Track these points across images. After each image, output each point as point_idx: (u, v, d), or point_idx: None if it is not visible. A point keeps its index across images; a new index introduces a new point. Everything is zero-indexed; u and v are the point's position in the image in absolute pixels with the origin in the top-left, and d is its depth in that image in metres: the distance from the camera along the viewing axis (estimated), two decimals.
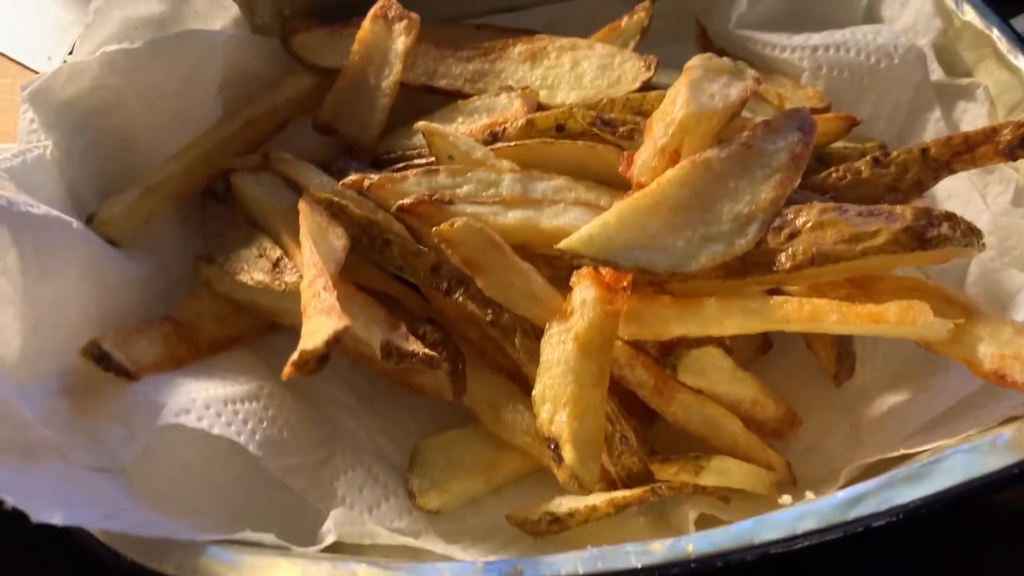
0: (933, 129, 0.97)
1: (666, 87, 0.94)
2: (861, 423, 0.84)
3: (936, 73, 0.97)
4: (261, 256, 0.83)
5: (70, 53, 0.87)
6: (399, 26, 0.95)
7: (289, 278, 0.79)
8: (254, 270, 0.81)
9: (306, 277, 0.71)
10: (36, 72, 1.24)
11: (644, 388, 0.80)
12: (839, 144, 0.94)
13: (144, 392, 0.72)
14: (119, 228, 0.84)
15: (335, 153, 0.98)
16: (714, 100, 0.81)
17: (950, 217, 0.75)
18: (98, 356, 0.71)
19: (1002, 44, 0.93)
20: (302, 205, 0.81)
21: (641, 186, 0.79)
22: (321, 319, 0.63)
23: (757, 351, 0.89)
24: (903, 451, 0.73)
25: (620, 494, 0.76)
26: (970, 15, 0.96)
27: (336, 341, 0.60)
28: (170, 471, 0.74)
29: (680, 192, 0.76)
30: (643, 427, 0.83)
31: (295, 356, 0.60)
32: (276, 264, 0.81)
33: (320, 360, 0.60)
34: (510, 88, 0.94)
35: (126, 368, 0.71)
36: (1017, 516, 0.93)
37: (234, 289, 0.85)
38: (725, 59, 0.84)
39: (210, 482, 0.75)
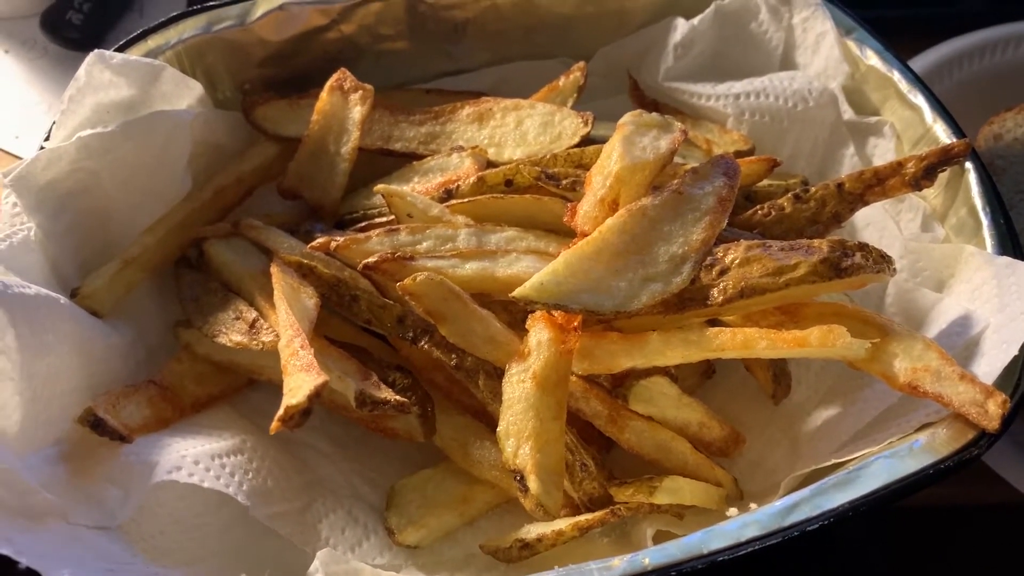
0: (849, 163, 1.05)
1: (604, 139, 1.02)
2: (799, 437, 0.92)
3: (848, 113, 1.05)
4: (238, 318, 0.88)
5: (46, 139, 0.92)
6: (355, 96, 1.02)
7: (266, 338, 0.85)
8: (232, 332, 0.87)
9: (283, 337, 0.77)
10: (6, 151, 1.29)
11: (599, 418, 0.87)
12: (765, 182, 1.02)
13: (136, 453, 0.78)
14: (101, 300, 0.89)
15: (300, 216, 1.04)
16: (646, 152, 0.89)
17: (863, 247, 0.83)
18: (93, 423, 0.76)
19: (903, 85, 1.02)
20: (274, 269, 0.87)
21: (585, 234, 0.86)
22: (301, 376, 0.69)
23: (702, 376, 0.97)
24: (834, 460, 0.81)
25: (583, 518, 0.82)
26: (873, 60, 1.05)
27: (317, 395, 0.67)
28: (165, 525, 0.79)
29: (620, 238, 0.84)
30: (601, 454, 0.90)
31: (281, 411, 0.66)
32: (252, 325, 0.87)
33: (304, 414, 0.66)
34: (461, 148, 1.02)
35: (119, 432, 0.77)
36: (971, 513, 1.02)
37: (213, 351, 0.91)
38: (654, 114, 0.92)
39: (203, 532, 0.81)
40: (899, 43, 1.08)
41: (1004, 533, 1.06)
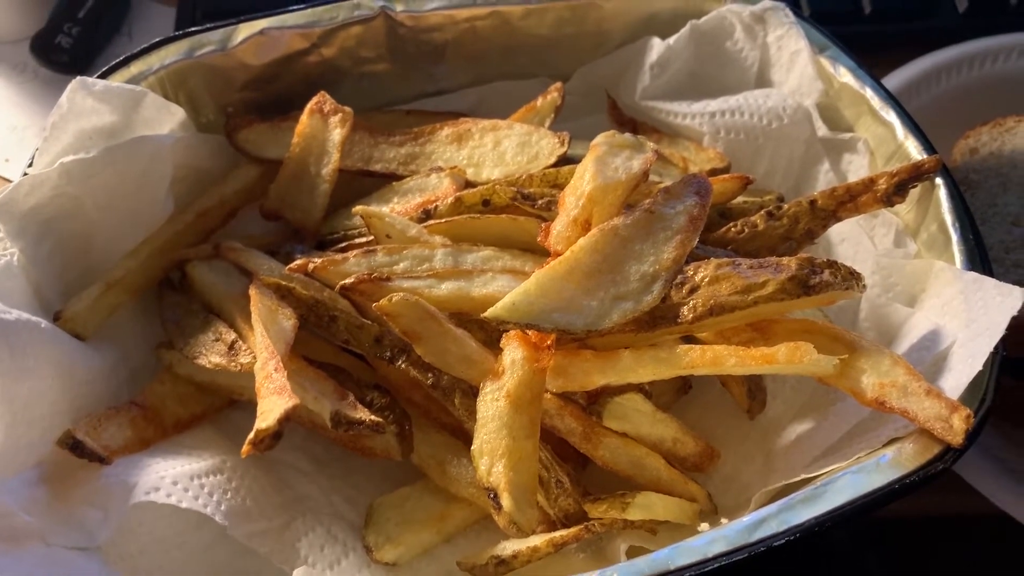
0: (824, 179, 1.06)
1: (581, 158, 1.04)
2: (773, 451, 0.92)
3: (822, 129, 1.06)
4: (217, 340, 0.90)
5: (30, 165, 0.94)
6: (334, 119, 1.04)
7: (244, 359, 0.86)
8: (211, 354, 0.88)
9: (259, 360, 0.78)
10: None
11: (574, 435, 0.88)
12: (740, 199, 1.03)
13: (116, 474, 0.79)
14: (83, 323, 0.90)
15: (283, 237, 1.06)
16: (618, 173, 0.90)
17: (831, 264, 0.84)
18: (72, 445, 0.77)
19: (875, 102, 1.03)
20: (252, 291, 0.89)
21: (558, 254, 0.87)
22: (273, 399, 0.70)
23: (678, 392, 0.98)
24: (804, 476, 0.82)
25: (558, 534, 0.83)
26: (846, 77, 1.06)
27: (287, 419, 0.68)
28: (144, 545, 0.80)
29: (592, 258, 0.85)
30: (577, 470, 0.91)
31: (252, 435, 0.68)
32: (231, 347, 0.88)
33: (275, 437, 0.67)
34: (440, 168, 1.03)
35: (98, 454, 0.78)
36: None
37: (194, 372, 0.92)
38: (627, 135, 0.94)
39: (182, 552, 0.82)
40: (875, 59, 1.10)
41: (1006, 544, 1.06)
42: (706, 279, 0.85)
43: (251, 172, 1.07)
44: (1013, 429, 1.01)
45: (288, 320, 0.87)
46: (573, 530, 0.83)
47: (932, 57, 1.29)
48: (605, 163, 0.91)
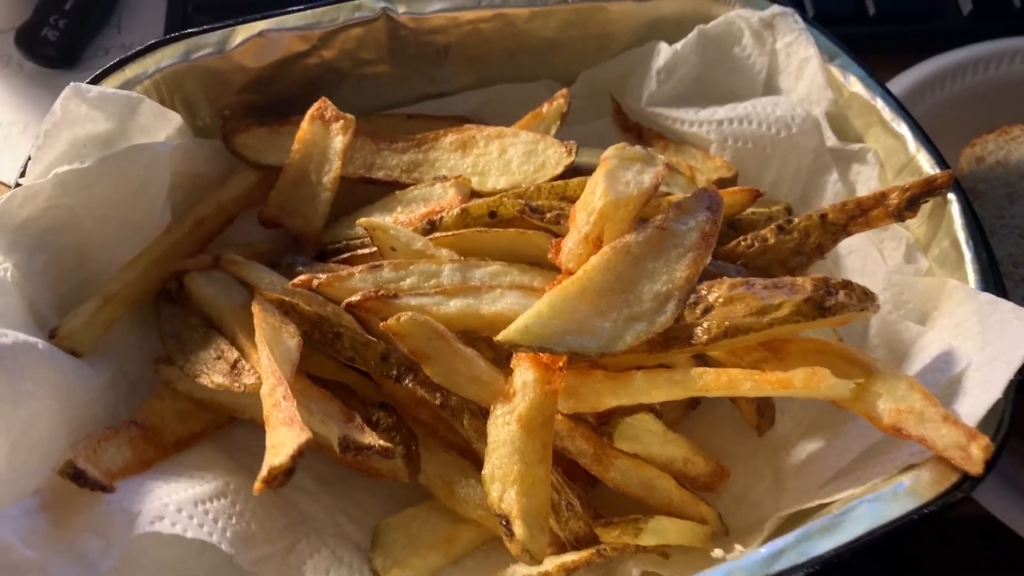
0: (832, 190, 1.05)
1: (588, 165, 1.02)
2: (783, 470, 0.92)
3: (831, 139, 1.05)
4: (219, 358, 0.87)
5: (22, 175, 0.90)
6: (336, 126, 1.01)
7: (247, 380, 0.84)
8: (213, 373, 0.86)
9: (266, 385, 0.76)
10: None
11: (584, 457, 0.86)
12: (748, 210, 1.03)
13: (118, 501, 0.77)
14: (80, 340, 0.88)
15: (282, 245, 1.04)
16: (629, 187, 0.88)
17: (846, 285, 0.83)
18: (74, 475, 0.75)
19: (886, 112, 1.01)
20: (255, 308, 0.86)
21: (569, 272, 0.85)
22: (284, 431, 0.68)
23: (686, 409, 0.97)
24: (819, 501, 0.81)
25: (569, 558, 0.82)
26: (857, 86, 1.04)
27: (301, 455, 0.66)
28: (148, 572, 0.78)
29: (604, 277, 0.83)
30: (586, 490, 0.90)
31: (264, 472, 0.66)
32: (234, 366, 0.86)
33: (287, 474, 0.66)
34: (444, 177, 1.01)
35: (100, 483, 0.75)
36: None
37: (195, 388, 0.90)
38: (637, 147, 0.91)
39: None
40: (877, 62, 1.08)
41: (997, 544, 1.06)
42: (720, 299, 0.84)
43: (249, 178, 1.05)
44: (1021, 444, 1.00)
45: (292, 339, 0.85)
46: (584, 554, 0.82)
47: (936, 61, 1.28)
48: (616, 177, 0.89)
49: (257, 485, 0.66)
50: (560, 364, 0.82)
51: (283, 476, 0.65)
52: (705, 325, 0.83)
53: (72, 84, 0.92)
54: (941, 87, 1.29)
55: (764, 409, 0.94)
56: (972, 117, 1.25)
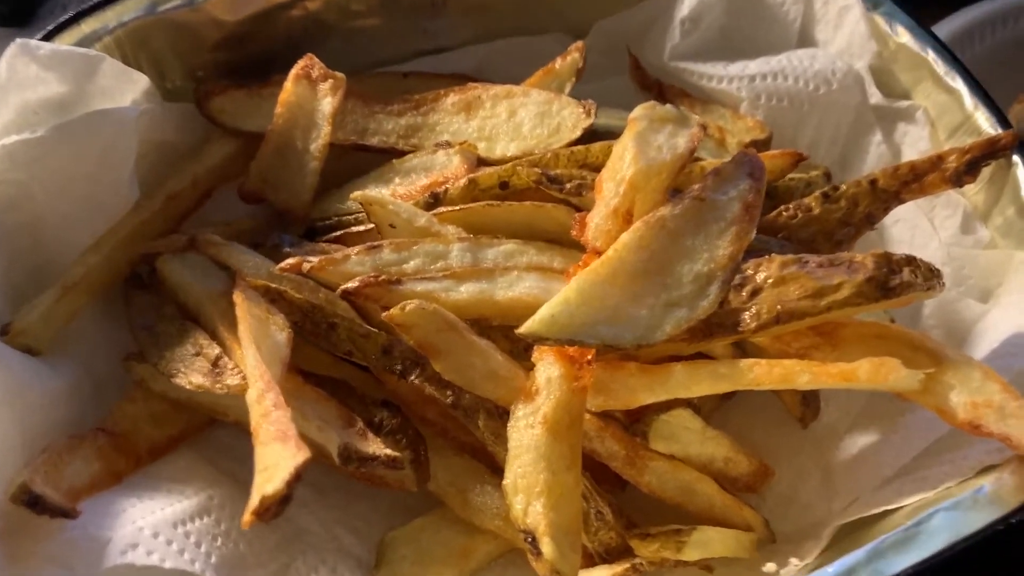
0: (875, 153, 0.96)
1: (606, 129, 0.92)
2: (832, 467, 0.83)
3: (875, 96, 0.96)
4: (198, 354, 0.77)
5: None
6: (324, 86, 0.90)
7: (231, 380, 0.73)
8: (192, 372, 0.76)
9: (253, 389, 0.66)
10: None
11: (616, 460, 0.77)
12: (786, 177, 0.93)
13: (84, 526, 0.67)
14: (37, 336, 0.78)
15: (265, 222, 0.94)
16: (662, 153, 0.78)
17: (910, 261, 0.74)
18: (29, 501, 0.64)
19: (939, 66, 0.92)
20: (237, 296, 0.76)
21: (596, 252, 0.76)
22: (276, 449, 0.58)
23: (721, 399, 0.87)
24: (884, 508, 0.72)
25: (600, 574, 0.73)
26: (904, 37, 0.95)
27: (299, 478, 0.56)
28: None
29: (637, 256, 0.73)
30: (615, 492, 0.81)
31: (255, 503, 0.55)
32: (215, 364, 0.75)
33: (282, 503, 0.55)
34: (447, 143, 0.91)
35: (62, 508, 0.65)
36: None
37: (170, 387, 0.79)
38: (668, 107, 0.81)
39: None
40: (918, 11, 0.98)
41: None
42: (770, 280, 0.75)
43: (227, 147, 0.95)
44: None
45: (282, 332, 0.75)
46: (619, 569, 0.73)
47: (981, 7, 1.19)
48: (647, 141, 0.79)
49: (246, 518, 0.55)
50: (588, 357, 0.73)
51: (277, 506, 0.55)
52: (753, 310, 0.74)
53: (18, 40, 0.82)
54: (981, 38, 1.20)
55: (809, 399, 0.86)
56: (1016, 69, 1.15)
